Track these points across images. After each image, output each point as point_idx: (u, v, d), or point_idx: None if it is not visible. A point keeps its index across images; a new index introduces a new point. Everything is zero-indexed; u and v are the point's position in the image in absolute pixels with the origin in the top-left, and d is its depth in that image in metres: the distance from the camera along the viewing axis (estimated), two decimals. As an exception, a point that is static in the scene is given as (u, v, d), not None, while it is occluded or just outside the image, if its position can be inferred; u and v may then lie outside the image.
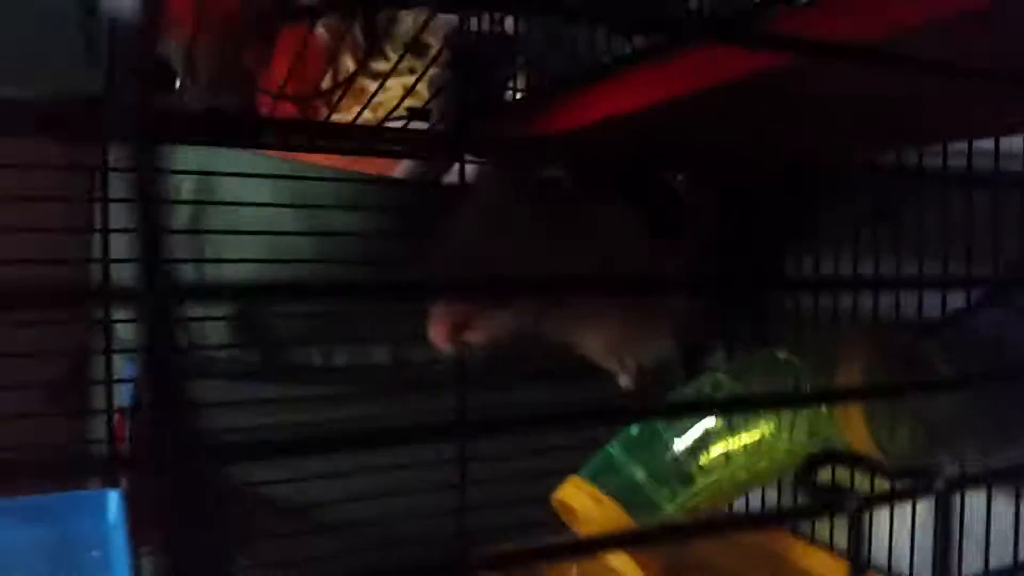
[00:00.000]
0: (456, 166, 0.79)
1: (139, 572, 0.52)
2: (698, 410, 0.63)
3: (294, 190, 0.77)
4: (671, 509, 0.67)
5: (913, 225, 0.68)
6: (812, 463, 0.22)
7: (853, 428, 0.57)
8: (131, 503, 0.71)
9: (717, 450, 0.65)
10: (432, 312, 0.64)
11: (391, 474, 0.76)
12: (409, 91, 0.76)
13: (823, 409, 0.62)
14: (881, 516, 0.70)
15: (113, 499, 0.56)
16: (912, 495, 0.21)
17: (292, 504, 0.78)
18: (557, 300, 0.67)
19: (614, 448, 0.68)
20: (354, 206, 0.77)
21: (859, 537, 0.20)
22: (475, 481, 0.78)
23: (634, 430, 0.68)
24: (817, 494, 0.24)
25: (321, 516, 0.79)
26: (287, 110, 0.96)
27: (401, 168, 0.87)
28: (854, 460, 0.23)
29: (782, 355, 0.64)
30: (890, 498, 0.21)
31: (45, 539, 0.53)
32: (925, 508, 0.67)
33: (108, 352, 0.68)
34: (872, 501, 0.20)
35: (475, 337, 0.64)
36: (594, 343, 0.73)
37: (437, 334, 0.63)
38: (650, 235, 0.78)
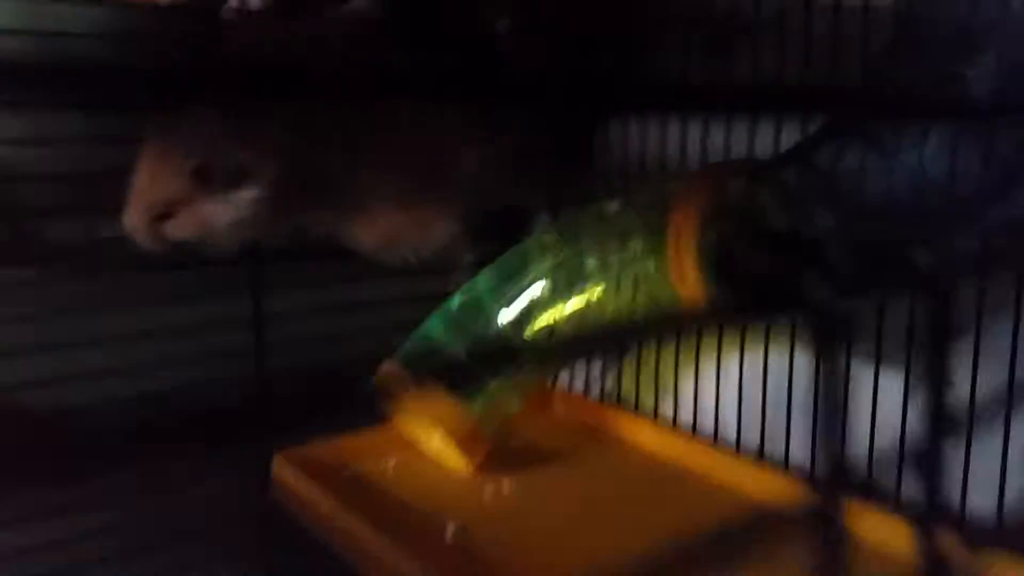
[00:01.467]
0: None
1: None
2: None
3: (34, 22, 0.62)
4: (495, 388, 0.61)
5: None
6: None
7: (686, 281, 0.52)
8: None
9: (544, 320, 0.59)
10: (129, 193, 0.55)
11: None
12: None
13: (652, 266, 0.57)
14: (707, 382, 0.68)
15: None
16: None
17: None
18: (309, 182, 0.59)
19: (433, 326, 0.60)
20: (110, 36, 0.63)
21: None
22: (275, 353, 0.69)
23: (455, 304, 0.60)
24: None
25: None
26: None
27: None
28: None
29: (613, 207, 0.58)
30: None
31: None
32: (751, 372, 0.65)
33: None
34: None
35: (180, 230, 0.56)
36: (366, 237, 0.65)
37: (131, 221, 0.55)
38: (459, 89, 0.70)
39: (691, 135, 0.69)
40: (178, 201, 0.56)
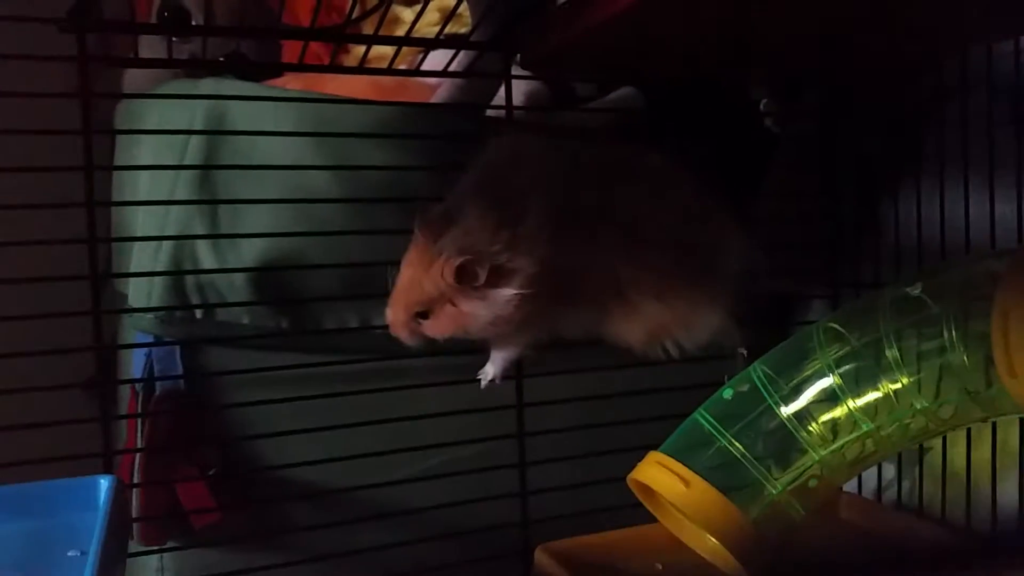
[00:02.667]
0: (502, 91, 0.68)
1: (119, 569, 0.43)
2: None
3: (318, 124, 0.67)
4: (777, 489, 0.55)
5: None
6: None
7: (1020, 378, 0.44)
8: (141, 493, 0.62)
9: (834, 413, 0.53)
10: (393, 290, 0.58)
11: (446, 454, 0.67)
12: (452, 14, 0.65)
13: (964, 358, 0.49)
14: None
15: (104, 487, 0.46)
16: None
17: (335, 489, 0.68)
18: (567, 279, 0.58)
19: (703, 417, 0.56)
20: (386, 136, 0.67)
21: None
22: (538, 462, 0.68)
23: (728, 393, 0.56)
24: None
25: (368, 501, 0.69)
26: (315, 50, 0.86)
27: (439, 94, 0.76)
28: None
29: (913, 291, 0.52)
30: None
31: (19, 533, 0.44)
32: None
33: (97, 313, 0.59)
34: None
35: (438, 328, 0.57)
36: (628, 334, 0.62)
37: (393, 317, 0.58)
38: (724, 175, 0.67)
39: (976, 208, 0.61)
40: (438, 300, 0.57)
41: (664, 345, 0.63)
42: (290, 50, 0.88)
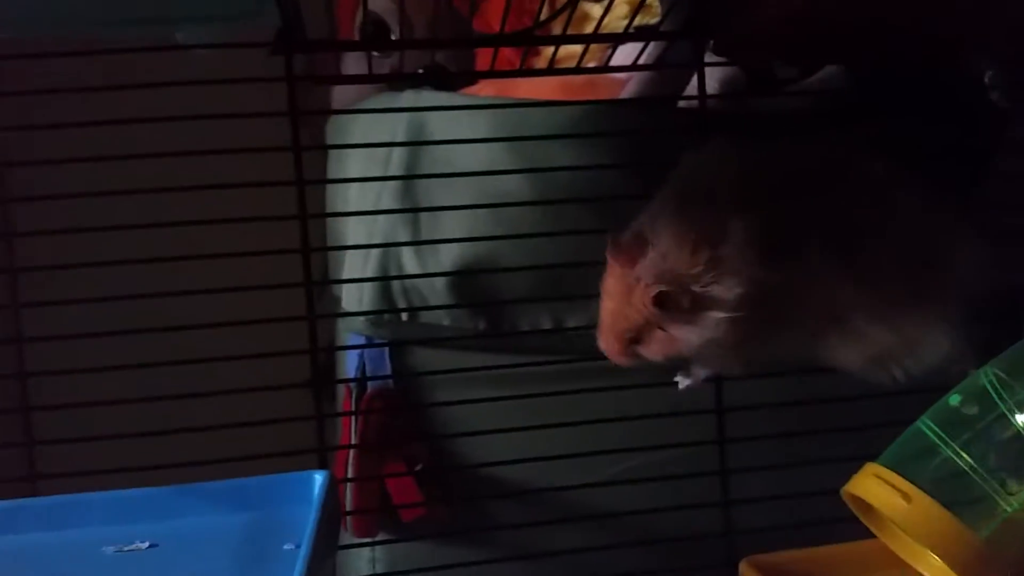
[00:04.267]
0: (694, 81, 0.65)
1: (332, 561, 0.46)
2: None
3: (510, 128, 0.68)
4: (1012, 507, 0.49)
5: None
6: None
7: None
8: (354, 488, 0.66)
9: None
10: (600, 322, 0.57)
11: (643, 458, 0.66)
12: (640, 4, 0.64)
13: None
14: None
15: (318, 482, 0.49)
16: None
17: (534, 488, 0.69)
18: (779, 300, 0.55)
19: (927, 425, 0.51)
20: (576, 136, 0.66)
21: None
22: (742, 469, 0.65)
23: (955, 399, 0.51)
24: None
25: (564, 503, 0.70)
26: (506, 54, 0.88)
27: (629, 89, 0.75)
28: None
29: None
30: None
31: (238, 526, 0.48)
32: None
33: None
34: None
35: (651, 352, 0.56)
36: (846, 359, 0.58)
37: (606, 346, 0.57)
38: (948, 159, 0.61)
39: None
40: (645, 327, 0.56)
41: (889, 370, 0.59)
42: (483, 56, 0.90)
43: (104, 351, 0.59)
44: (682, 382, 0.62)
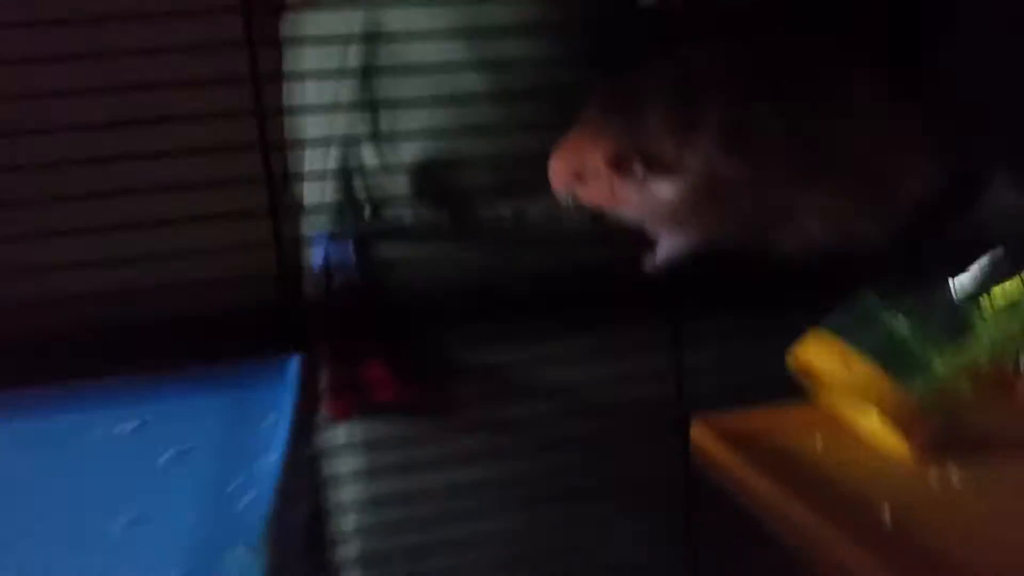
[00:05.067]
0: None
1: (309, 437, 0.49)
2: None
3: (469, 23, 0.68)
4: (942, 368, 0.53)
5: None
6: None
7: None
8: (326, 371, 0.68)
9: (1007, 289, 0.51)
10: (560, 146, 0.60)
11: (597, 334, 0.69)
12: None
13: None
14: None
15: (293, 365, 0.52)
16: None
17: (493, 367, 0.73)
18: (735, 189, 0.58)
19: (868, 295, 0.55)
20: (537, 28, 0.67)
21: None
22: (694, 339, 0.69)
23: (895, 273, 0.55)
24: None
25: (524, 379, 0.73)
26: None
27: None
28: None
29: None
30: None
31: (221, 407, 0.50)
32: None
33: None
34: None
35: (590, 198, 0.60)
36: (785, 244, 0.61)
37: (554, 172, 0.61)
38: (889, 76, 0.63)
39: None
40: (594, 174, 0.58)
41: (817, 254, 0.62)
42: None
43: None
44: (647, 264, 0.65)
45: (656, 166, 0.57)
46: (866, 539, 0.44)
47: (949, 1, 0.65)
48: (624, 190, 0.59)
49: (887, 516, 0.48)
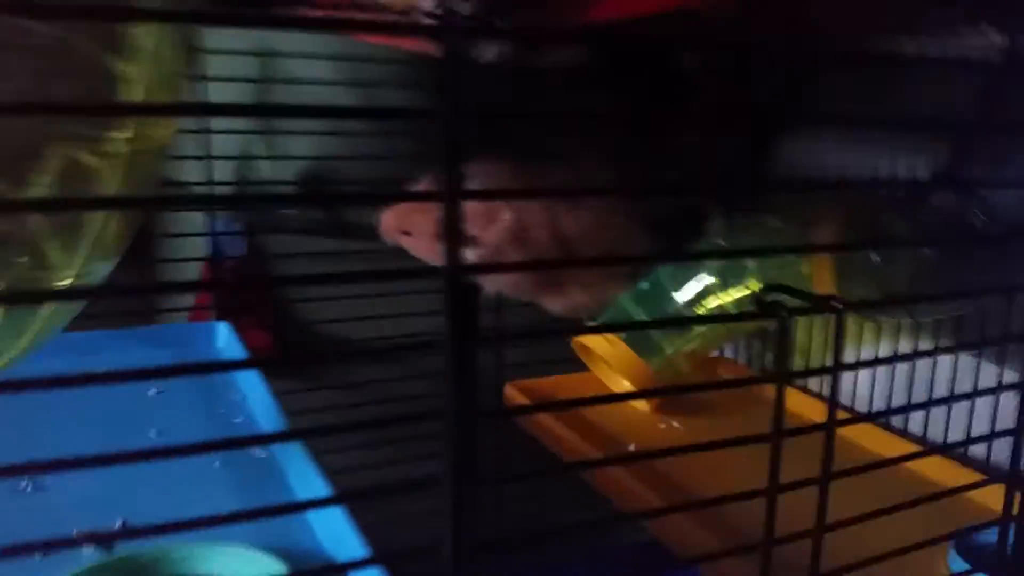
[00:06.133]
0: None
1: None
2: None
3: (351, 71, 0.87)
4: (671, 351, 0.80)
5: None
6: (764, 289, 0.32)
7: (823, 284, 0.70)
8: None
9: (712, 302, 0.78)
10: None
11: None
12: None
13: (803, 270, 0.74)
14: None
15: (223, 329, 0.69)
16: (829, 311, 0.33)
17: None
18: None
19: (626, 300, 0.81)
20: (403, 84, 0.87)
21: (784, 344, 0.32)
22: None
23: (644, 285, 0.81)
24: (757, 306, 0.34)
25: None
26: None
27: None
28: (803, 294, 0.31)
29: (773, 224, 0.76)
30: (811, 310, 0.33)
31: (156, 360, 0.67)
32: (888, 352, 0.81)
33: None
34: (798, 311, 0.32)
35: (412, 248, 0.78)
36: (554, 305, 0.83)
37: (385, 223, 0.78)
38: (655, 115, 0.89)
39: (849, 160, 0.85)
40: (418, 232, 0.78)
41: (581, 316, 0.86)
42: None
43: None
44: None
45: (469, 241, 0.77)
46: (618, 461, 0.70)
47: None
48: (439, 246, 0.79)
49: (632, 448, 0.74)
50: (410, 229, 0.78)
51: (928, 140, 0.75)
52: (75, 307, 0.40)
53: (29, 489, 0.47)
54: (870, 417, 0.64)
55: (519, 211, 0.77)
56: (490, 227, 0.77)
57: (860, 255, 0.69)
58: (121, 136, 0.33)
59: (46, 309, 0.37)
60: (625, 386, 0.82)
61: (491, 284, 0.81)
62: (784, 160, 0.93)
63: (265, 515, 0.22)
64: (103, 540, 0.42)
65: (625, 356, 0.79)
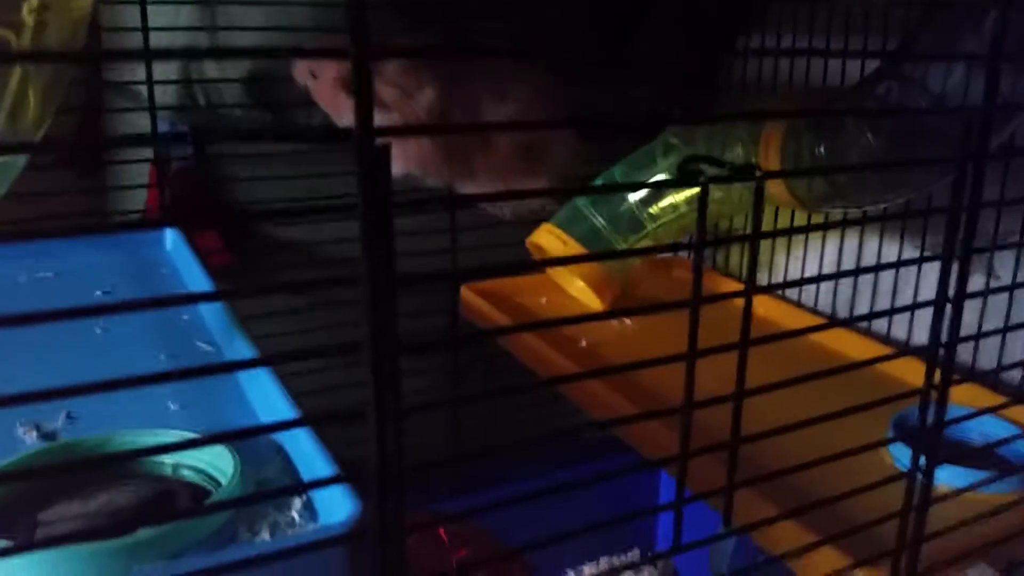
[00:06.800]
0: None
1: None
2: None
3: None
4: (624, 246, 0.81)
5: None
6: (687, 159, 0.33)
7: (773, 183, 0.70)
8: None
9: (664, 201, 0.79)
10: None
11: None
12: None
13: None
14: (795, 260, 0.86)
15: (171, 234, 0.69)
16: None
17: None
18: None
19: (580, 200, 0.81)
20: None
21: (703, 207, 0.32)
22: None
23: (597, 183, 0.81)
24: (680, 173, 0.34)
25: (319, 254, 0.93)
26: None
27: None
28: (722, 164, 0.32)
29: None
30: (730, 179, 0.33)
31: (117, 262, 0.66)
32: (833, 248, 0.83)
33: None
34: (717, 179, 0.33)
35: (316, 91, 0.78)
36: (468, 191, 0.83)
37: (298, 67, 0.78)
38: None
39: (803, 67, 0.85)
40: (324, 78, 0.77)
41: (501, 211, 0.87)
42: None
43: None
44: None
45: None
46: (571, 356, 0.71)
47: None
48: (345, 104, 0.78)
49: (584, 344, 0.75)
50: (316, 73, 0.77)
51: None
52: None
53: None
54: (784, 286, 0.65)
55: (442, 91, 0.76)
56: (409, 101, 0.76)
57: (806, 147, 0.69)
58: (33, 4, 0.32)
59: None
60: (578, 285, 0.83)
61: (401, 161, 0.80)
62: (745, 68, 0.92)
63: (193, 374, 0.22)
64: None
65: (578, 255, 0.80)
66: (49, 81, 0.43)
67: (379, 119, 0.21)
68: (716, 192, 0.76)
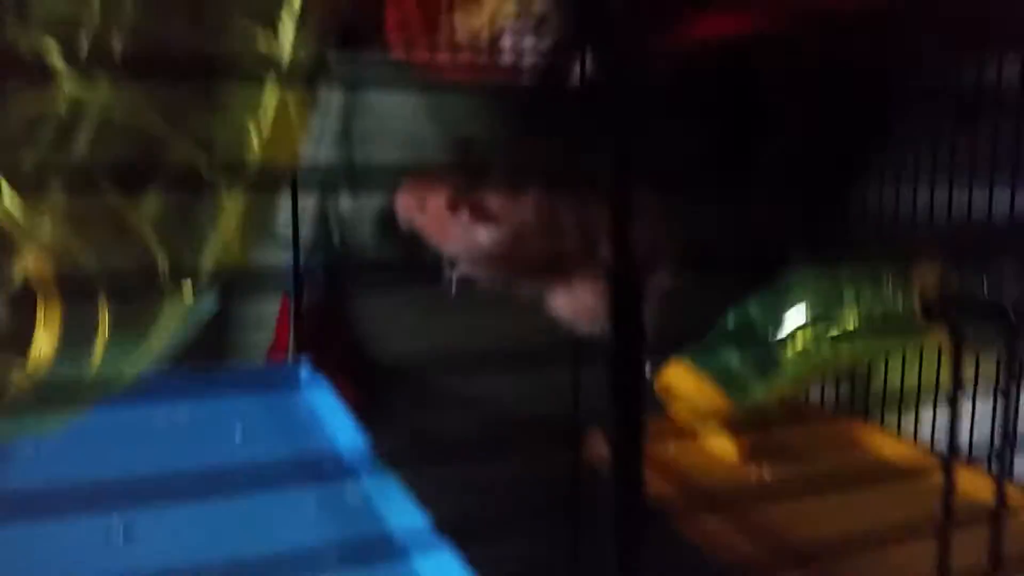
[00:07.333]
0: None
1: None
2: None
3: (433, 103, 0.87)
4: (760, 392, 0.77)
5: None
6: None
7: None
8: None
9: (803, 341, 0.75)
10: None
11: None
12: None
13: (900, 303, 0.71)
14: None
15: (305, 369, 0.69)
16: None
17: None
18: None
19: (713, 339, 0.78)
20: (486, 117, 0.87)
21: (958, 359, 0.30)
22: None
23: (731, 323, 0.78)
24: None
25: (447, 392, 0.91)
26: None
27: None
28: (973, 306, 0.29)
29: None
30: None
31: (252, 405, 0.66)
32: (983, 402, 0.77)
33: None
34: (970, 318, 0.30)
35: (423, 224, 0.79)
36: (563, 305, 0.81)
37: (401, 203, 0.79)
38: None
39: (938, 198, 0.81)
40: (430, 210, 0.78)
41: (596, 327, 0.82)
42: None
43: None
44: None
45: (479, 216, 0.76)
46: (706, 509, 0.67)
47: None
48: (453, 231, 0.78)
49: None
50: (422, 206, 0.78)
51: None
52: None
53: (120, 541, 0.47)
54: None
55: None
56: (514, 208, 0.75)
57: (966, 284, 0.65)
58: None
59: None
60: (712, 431, 0.79)
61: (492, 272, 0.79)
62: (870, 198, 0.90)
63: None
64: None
65: (711, 397, 0.76)
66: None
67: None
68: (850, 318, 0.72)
